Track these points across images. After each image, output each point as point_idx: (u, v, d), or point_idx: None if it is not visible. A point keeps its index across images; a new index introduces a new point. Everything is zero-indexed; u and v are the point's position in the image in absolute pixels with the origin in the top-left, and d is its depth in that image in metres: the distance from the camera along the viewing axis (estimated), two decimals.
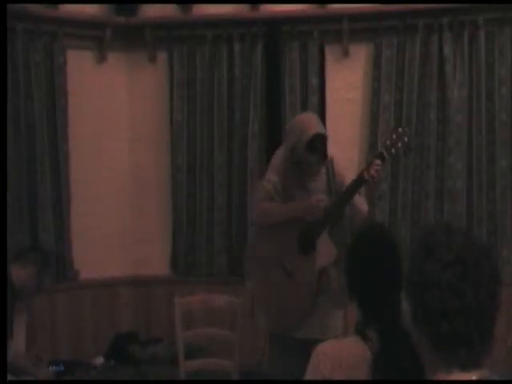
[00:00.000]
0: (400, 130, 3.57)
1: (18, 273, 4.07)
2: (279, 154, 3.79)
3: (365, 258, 2.26)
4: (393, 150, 3.53)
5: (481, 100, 4.89)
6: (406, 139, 3.53)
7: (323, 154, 3.63)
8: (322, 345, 2.19)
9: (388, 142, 3.54)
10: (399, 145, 3.53)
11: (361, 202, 3.64)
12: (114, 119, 5.37)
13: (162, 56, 5.35)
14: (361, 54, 5.11)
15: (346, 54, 5.09)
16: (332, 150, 4.52)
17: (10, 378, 3.75)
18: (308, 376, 2.16)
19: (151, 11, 5.30)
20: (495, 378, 1.43)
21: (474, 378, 1.39)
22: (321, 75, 5.12)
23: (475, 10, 4.84)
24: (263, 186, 3.74)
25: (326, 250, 3.60)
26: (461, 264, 1.38)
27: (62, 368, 4.58)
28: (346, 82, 5.13)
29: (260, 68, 5.13)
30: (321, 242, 3.60)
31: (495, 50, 4.87)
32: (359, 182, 3.51)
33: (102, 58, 5.29)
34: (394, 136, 3.54)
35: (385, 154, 3.52)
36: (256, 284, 3.85)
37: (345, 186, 3.64)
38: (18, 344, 4.13)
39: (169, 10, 5.27)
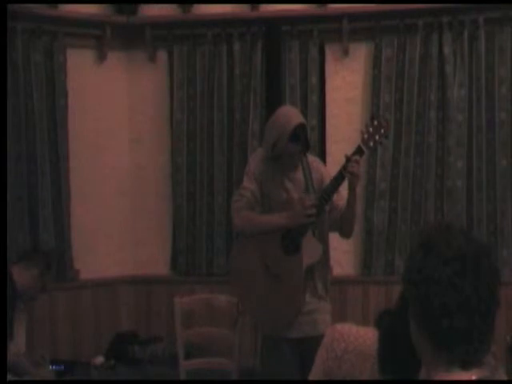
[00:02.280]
0: (375, 122, 3.56)
1: (21, 275, 4.06)
2: (255, 158, 3.77)
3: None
4: (371, 143, 3.53)
5: (481, 100, 4.89)
6: (383, 131, 3.53)
7: (305, 143, 3.63)
8: (340, 324, 2.19)
9: (365, 136, 3.53)
10: (376, 137, 3.53)
11: (337, 197, 3.63)
12: (113, 119, 5.37)
13: (162, 55, 5.35)
14: (361, 54, 5.11)
15: (345, 53, 5.09)
16: (332, 149, 4.54)
17: (9, 377, 3.75)
18: (321, 351, 2.15)
19: (151, 10, 5.30)
20: (496, 377, 1.43)
21: (473, 377, 1.39)
22: (321, 74, 5.12)
23: (475, 9, 4.84)
24: (242, 195, 3.68)
25: (312, 248, 3.57)
26: (460, 260, 1.39)
27: (62, 368, 4.58)
28: (346, 81, 5.14)
29: (260, 67, 5.13)
30: (305, 240, 3.57)
31: (495, 49, 4.87)
32: (338, 179, 3.51)
33: (102, 57, 5.29)
34: (371, 129, 3.53)
35: (363, 148, 3.52)
36: (242, 288, 3.79)
37: (324, 181, 3.64)
38: (18, 344, 4.13)
39: (169, 10, 5.27)
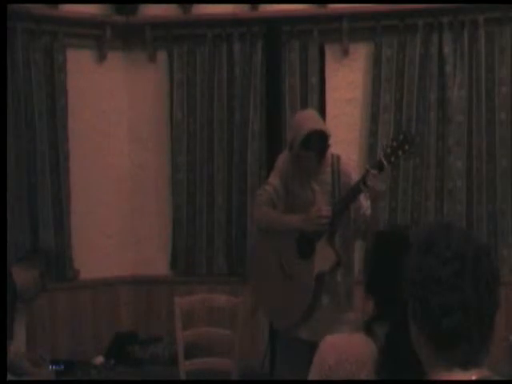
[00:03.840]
0: (401, 136, 3.38)
1: (21, 276, 4.06)
2: (284, 155, 3.77)
3: (384, 257, 2.25)
4: (392, 159, 3.35)
5: (481, 100, 4.89)
6: (407, 147, 3.33)
7: (321, 152, 3.54)
8: (331, 337, 2.20)
9: (388, 150, 3.35)
10: (399, 153, 3.34)
11: (365, 205, 3.55)
12: (114, 119, 5.37)
13: (162, 55, 5.35)
14: (361, 54, 5.11)
15: (345, 53, 5.09)
16: (332, 150, 4.52)
17: (9, 377, 3.75)
18: (314, 366, 2.16)
19: (151, 10, 5.30)
20: (495, 377, 1.43)
21: (473, 377, 1.39)
22: (321, 75, 5.12)
23: (475, 9, 4.84)
24: (265, 190, 3.72)
25: (325, 255, 3.54)
26: (460, 260, 1.39)
27: (62, 368, 4.57)
28: (346, 81, 5.13)
29: (260, 68, 5.13)
30: (319, 246, 3.55)
31: (495, 49, 4.87)
32: (355, 192, 3.44)
33: (101, 58, 5.29)
34: (395, 143, 3.35)
35: (384, 162, 3.35)
36: (257, 284, 3.85)
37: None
38: (18, 344, 4.13)
39: (169, 10, 5.27)
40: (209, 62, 5.22)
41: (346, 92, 5.14)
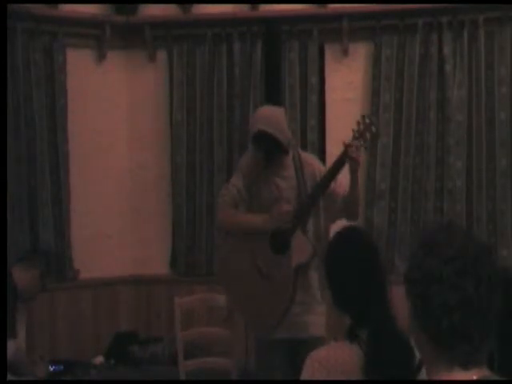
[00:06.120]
0: (367, 120, 3.49)
1: (21, 276, 4.07)
2: (247, 155, 3.77)
3: (346, 263, 2.24)
4: (361, 142, 3.46)
5: (480, 99, 4.89)
6: (374, 129, 3.47)
7: (269, 152, 3.56)
8: (316, 352, 2.17)
9: (356, 134, 3.47)
10: (367, 135, 3.47)
11: (344, 183, 3.54)
12: (113, 118, 5.37)
13: (162, 55, 5.35)
14: (360, 54, 5.11)
15: (345, 53, 5.09)
16: (332, 149, 4.53)
17: (9, 377, 3.75)
18: (303, 379, 2.15)
19: (151, 10, 5.30)
20: (495, 377, 1.43)
21: (474, 377, 1.39)
22: (320, 74, 5.12)
23: (475, 9, 4.84)
24: (228, 191, 3.68)
25: (301, 247, 3.51)
26: (461, 260, 1.39)
27: (62, 368, 4.57)
28: (346, 81, 5.13)
29: (260, 67, 5.13)
30: (295, 239, 3.51)
31: (495, 49, 4.87)
32: (338, 165, 3.44)
33: (101, 57, 5.29)
34: (362, 127, 3.47)
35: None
36: (230, 287, 3.76)
37: (316, 176, 3.58)
38: (18, 343, 4.13)
39: (168, 9, 5.27)
40: (209, 62, 5.22)
41: (345, 92, 5.14)
